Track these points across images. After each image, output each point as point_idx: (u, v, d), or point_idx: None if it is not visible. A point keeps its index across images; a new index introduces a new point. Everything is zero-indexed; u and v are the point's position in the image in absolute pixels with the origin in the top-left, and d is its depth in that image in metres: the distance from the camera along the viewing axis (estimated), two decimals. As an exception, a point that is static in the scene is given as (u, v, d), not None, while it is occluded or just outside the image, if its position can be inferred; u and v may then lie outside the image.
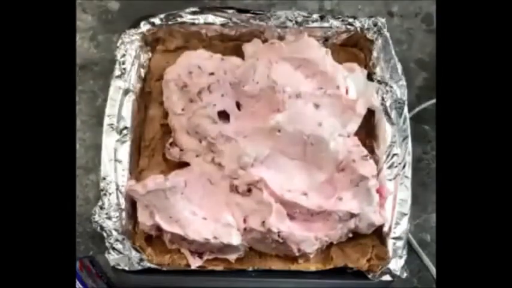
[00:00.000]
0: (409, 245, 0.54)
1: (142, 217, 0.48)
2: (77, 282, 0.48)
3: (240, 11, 0.52)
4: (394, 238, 0.48)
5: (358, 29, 0.53)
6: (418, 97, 0.60)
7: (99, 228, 0.48)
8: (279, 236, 0.47)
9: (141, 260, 0.48)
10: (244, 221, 0.48)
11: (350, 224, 0.48)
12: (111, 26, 0.61)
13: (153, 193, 0.47)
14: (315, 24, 0.52)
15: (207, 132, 0.49)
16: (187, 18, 0.52)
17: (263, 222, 0.47)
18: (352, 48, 0.55)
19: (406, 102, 0.51)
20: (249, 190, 0.48)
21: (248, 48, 0.52)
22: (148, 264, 0.48)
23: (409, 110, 0.52)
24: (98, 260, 0.55)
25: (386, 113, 0.50)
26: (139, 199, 0.48)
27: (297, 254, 0.49)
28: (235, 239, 0.47)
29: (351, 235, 0.50)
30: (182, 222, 0.47)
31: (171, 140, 0.51)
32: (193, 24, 0.52)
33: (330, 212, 0.48)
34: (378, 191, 0.49)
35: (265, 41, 0.52)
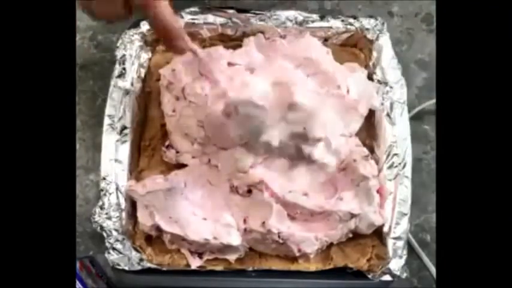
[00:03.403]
0: (409, 245, 0.54)
1: (142, 217, 0.48)
2: (77, 282, 0.48)
3: (240, 11, 0.52)
4: (394, 238, 0.48)
5: (358, 29, 0.53)
6: (418, 97, 0.60)
7: (99, 228, 0.48)
8: (279, 236, 0.47)
9: (141, 260, 0.48)
10: (244, 221, 0.48)
11: (350, 224, 0.48)
12: (111, 26, 0.60)
13: (152, 193, 0.47)
14: (315, 24, 0.52)
15: (195, 134, 0.48)
16: (187, 18, 0.52)
17: (263, 222, 0.47)
18: (352, 48, 0.55)
19: (406, 102, 0.51)
20: (249, 191, 0.48)
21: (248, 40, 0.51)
22: (148, 264, 0.48)
23: (409, 110, 0.52)
24: (98, 260, 0.55)
25: (387, 113, 0.50)
26: (139, 199, 0.48)
27: (297, 254, 0.49)
28: (235, 240, 0.47)
29: (351, 235, 0.50)
30: (182, 222, 0.47)
31: (167, 143, 0.51)
32: (193, 24, 0.52)
33: (330, 212, 0.47)
34: (378, 191, 0.49)
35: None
